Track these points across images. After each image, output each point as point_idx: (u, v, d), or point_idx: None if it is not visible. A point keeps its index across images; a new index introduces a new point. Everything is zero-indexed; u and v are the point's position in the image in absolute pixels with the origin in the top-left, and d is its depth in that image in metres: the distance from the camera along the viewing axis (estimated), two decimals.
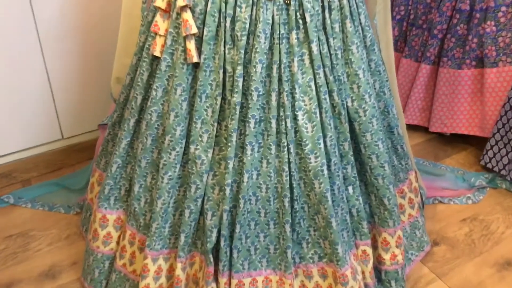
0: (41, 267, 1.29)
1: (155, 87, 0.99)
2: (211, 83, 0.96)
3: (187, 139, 0.99)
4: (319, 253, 1.05)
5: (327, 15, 0.96)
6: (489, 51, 1.59)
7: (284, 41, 0.94)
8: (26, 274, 1.27)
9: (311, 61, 0.95)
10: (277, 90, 0.95)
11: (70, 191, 1.52)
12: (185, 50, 0.94)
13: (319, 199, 0.99)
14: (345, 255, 1.03)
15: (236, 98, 0.94)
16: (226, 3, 0.91)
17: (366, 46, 1.06)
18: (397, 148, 1.22)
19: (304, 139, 0.97)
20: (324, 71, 0.97)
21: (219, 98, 0.96)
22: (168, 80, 0.99)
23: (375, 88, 1.11)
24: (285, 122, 0.96)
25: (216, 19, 0.92)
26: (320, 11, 0.94)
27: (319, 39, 0.95)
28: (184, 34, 0.92)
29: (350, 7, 0.98)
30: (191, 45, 0.93)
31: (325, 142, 0.99)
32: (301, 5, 0.92)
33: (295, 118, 0.97)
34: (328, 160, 1.00)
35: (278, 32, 0.93)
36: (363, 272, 1.10)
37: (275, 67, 0.94)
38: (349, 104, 1.03)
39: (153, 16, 1.00)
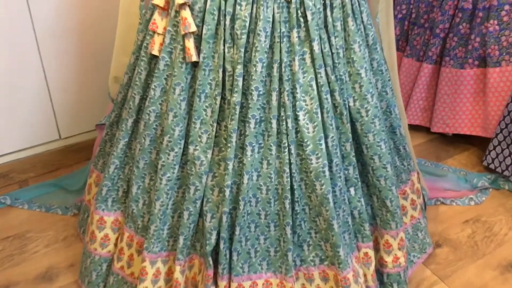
0: (38, 269, 1.27)
1: (153, 87, 0.98)
2: (211, 82, 0.94)
3: (186, 140, 0.98)
4: (321, 255, 1.03)
5: (328, 13, 0.94)
6: (492, 50, 1.58)
7: (285, 39, 0.92)
8: (22, 276, 1.25)
9: (313, 60, 0.94)
10: (277, 89, 0.94)
11: (68, 192, 1.51)
12: (183, 49, 0.93)
13: (320, 200, 0.98)
14: (346, 257, 1.01)
15: (236, 97, 0.92)
16: (225, 0, 0.89)
17: (368, 45, 1.05)
18: (399, 149, 1.20)
19: (305, 140, 0.95)
20: (326, 70, 0.96)
21: (218, 98, 0.94)
22: (166, 79, 0.97)
23: (377, 88, 1.09)
24: (286, 123, 0.95)
25: (216, 17, 0.91)
26: (321, 9, 0.93)
27: (320, 38, 0.94)
28: (182, 33, 0.91)
29: (352, 5, 0.97)
30: (190, 43, 0.91)
31: (326, 142, 0.98)
32: (302, 3, 0.90)
33: (296, 118, 0.95)
34: (330, 161, 0.99)
35: (278, 31, 0.91)
36: (365, 275, 1.08)
37: (275, 66, 0.93)
38: (351, 104, 1.02)
39: (151, 14, 0.99)
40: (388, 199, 1.08)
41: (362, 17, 1.01)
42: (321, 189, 0.97)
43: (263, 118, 0.96)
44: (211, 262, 0.99)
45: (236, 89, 0.92)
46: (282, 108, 0.95)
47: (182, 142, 0.98)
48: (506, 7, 1.54)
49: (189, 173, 0.97)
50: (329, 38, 0.95)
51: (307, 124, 0.95)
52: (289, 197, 0.97)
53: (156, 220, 1.01)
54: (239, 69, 0.91)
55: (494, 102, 1.61)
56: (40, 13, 1.43)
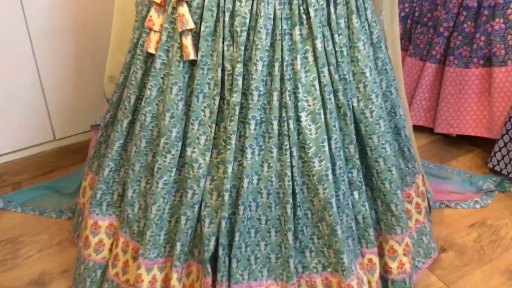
0: (31, 275, 1.24)
1: (149, 86, 0.95)
2: (209, 82, 0.92)
3: (184, 142, 0.95)
4: (323, 262, 1.00)
5: (332, 9, 0.92)
6: (498, 49, 1.56)
7: (286, 37, 0.90)
8: (15, 282, 1.22)
9: (315, 58, 0.91)
10: (279, 89, 0.91)
11: (62, 194, 1.49)
12: (181, 47, 0.90)
13: (323, 205, 0.95)
14: (350, 264, 0.98)
15: (236, 98, 0.90)
16: None
17: (373, 43, 1.02)
18: (404, 151, 1.17)
19: (308, 142, 0.93)
20: (329, 70, 0.93)
21: (217, 98, 0.92)
22: (163, 78, 0.94)
23: (381, 88, 1.07)
24: (288, 124, 0.92)
25: (214, 14, 0.88)
26: (324, 6, 0.90)
27: (323, 35, 0.91)
28: (180, 30, 0.88)
29: (356, 1, 0.94)
30: (188, 41, 0.89)
31: (329, 144, 0.95)
32: None
33: (298, 119, 0.93)
34: (333, 164, 0.96)
35: (280, 28, 0.89)
36: (369, 282, 1.05)
37: (277, 65, 0.90)
38: (355, 104, 0.99)
39: (148, 11, 0.96)
40: (393, 203, 1.05)
41: (366, 14, 0.98)
42: (324, 193, 0.94)
43: (263, 119, 0.93)
44: (209, 269, 0.96)
45: (235, 89, 0.90)
46: (283, 108, 0.92)
47: (180, 144, 0.95)
48: None
49: (187, 176, 0.95)
50: (332, 35, 0.93)
51: (310, 125, 0.93)
52: (291, 202, 0.94)
53: (152, 225, 0.97)
54: (239, 68, 0.89)
55: (499, 103, 1.59)
56: (34, 11, 1.41)
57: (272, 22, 0.88)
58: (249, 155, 0.92)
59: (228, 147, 0.92)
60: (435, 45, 1.66)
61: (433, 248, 1.28)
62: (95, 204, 1.07)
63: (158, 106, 0.96)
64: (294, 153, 0.93)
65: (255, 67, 0.89)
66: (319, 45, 0.90)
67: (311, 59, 0.91)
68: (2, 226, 1.39)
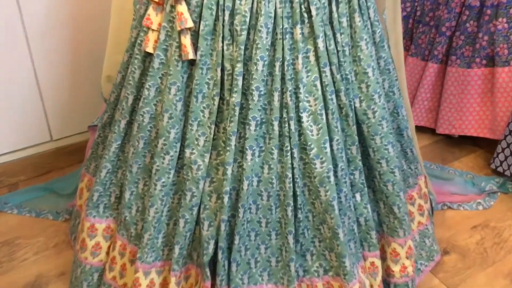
0: (27, 277, 1.22)
1: (147, 86, 0.93)
2: (208, 82, 0.90)
3: (182, 143, 0.94)
4: (325, 266, 0.98)
5: (334, 8, 0.90)
6: (501, 49, 1.54)
7: (287, 36, 0.88)
8: (11, 285, 1.20)
9: (317, 58, 0.90)
10: (279, 89, 0.90)
11: (59, 196, 1.46)
12: (179, 46, 0.89)
13: (324, 208, 0.93)
14: (352, 268, 0.96)
15: (235, 98, 0.88)
16: None
17: (375, 43, 1.01)
18: (406, 152, 1.16)
19: (309, 143, 0.91)
20: (331, 69, 0.92)
21: (216, 98, 0.90)
22: (161, 78, 0.93)
23: (384, 88, 1.05)
24: (289, 125, 0.91)
25: (214, 12, 0.87)
26: (326, 4, 0.89)
27: (325, 35, 0.90)
28: (178, 29, 0.87)
29: (358, 0, 0.92)
30: (187, 40, 0.87)
31: (331, 146, 0.93)
32: None
33: (299, 120, 0.91)
34: (335, 166, 0.94)
35: (281, 27, 0.87)
36: (371, 286, 1.04)
37: (277, 64, 0.89)
38: (357, 105, 0.98)
39: (146, 9, 0.95)
40: (395, 205, 1.04)
41: (369, 13, 0.97)
42: (325, 195, 0.92)
43: (264, 120, 0.91)
44: (208, 273, 0.94)
45: (235, 89, 0.88)
46: (284, 109, 0.91)
47: (178, 145, 0.93)
48: None
49: (185, 178, 0.93)
50: (334, 34, 0.91)
51: (311, 126, 0.91)
52: (292, 204, 0.93)
53: (150, 228, 0.96)
54: (239, 67, 0.87)
55: (502, 103, 1.57)
56: (30, 9, 1.39)
57: (272, 21, 0.86)
58: (249, 157, 0.91)
59: (228, 148, 0.90)
60: (437, 44, 1.65)
61: (436, 251, 1.26)
62: (91, 206, 1.05)
63: (156, 106, 0.94)
64: (295, 155, 0.92)
65: (255, 67, 0.87)
66: (320, 44, 0.89)
67: (312, 58, 0.90)
68: None
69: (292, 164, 0.92)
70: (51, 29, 1.44)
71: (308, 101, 0.91)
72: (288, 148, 0.91)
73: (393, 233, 1.06)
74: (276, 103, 0.90)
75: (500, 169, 1.57)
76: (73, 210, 1.28)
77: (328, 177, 0.92)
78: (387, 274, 1.09)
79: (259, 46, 0.86)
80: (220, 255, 0.93)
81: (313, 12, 0.87)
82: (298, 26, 0.87)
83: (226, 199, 0.91)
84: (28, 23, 1.40)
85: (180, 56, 0.89)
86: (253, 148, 0.91)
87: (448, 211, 1.47)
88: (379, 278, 1.04)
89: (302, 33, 0.88)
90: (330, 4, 0.89)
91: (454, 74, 1.64)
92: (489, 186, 1.55)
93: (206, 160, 0.92)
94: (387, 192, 1.03)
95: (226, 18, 0.86)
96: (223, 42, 0.87)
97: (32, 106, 1.50)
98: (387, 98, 1.06)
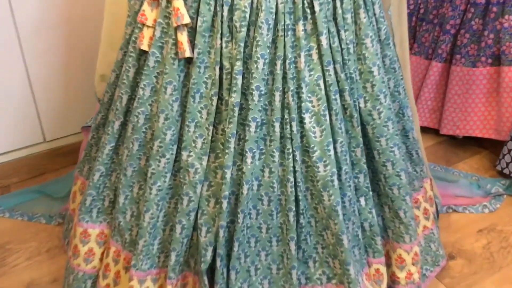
0: (18, 284, 1.19)
1: (142, 86, 0.90)
2: (206, 81, 0.87)
3: (179, 145, 0.91)
4: (328, 273, 0.95)
5: (338, 4, 0.87)
6: (507, 47, 1.51)
7: (289, 33, 0.85)
8: None
9: (320, 56, 0.87)
10: (281, 89, 0.87)
11: (53, 199, 1.44)
12: (176, 43, 0.86)
13: (328, 213, 0.90)
14: (357, 276, 0.93)
15: (235, 98, 0.85)
16: None
17: (381, 40, 0.97)
18: (411, 154, 1.13)
19: (312, 145, 0.88)
20: (335, 68, 0.89)
21: (215, 98, 0.87)
22: (157, 77, 0.90)
23: (389, 88, 1.02)
24: (290, 126, 0.88)
25: (212, 8, 0.84)
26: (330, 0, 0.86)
27: (329, 31, 0.86)
28: (175, 25, 0.84)
29: None
30: (183, 37, 0.85)
31: (335, 148, 0.90)
32: None
33: (301, 121, 0.88)
34: (339, 169, 0.91)
35: (282, 23, 0.84)
36: None
37: (279, 63, 0.86)
38: (362, 105, 0.95)
39: (141, 5, 0.91)
40: (401, 209, 1.00)
41: (374, 9, 0.94)
42: (329, 200, 0.89)
43: (264, 121, 0.89)
44: (206, 282, 0.91)
45: (234, 89, 0.85)
46: (286, 109, 0.88)
47: (175, 147, 0.91)
48: None
49: (182, 182, 0.90)
50: (338, 31, 0.88)
51: (314, 127, 0.88)
52: (294, 209, 0.90)
53: (145, 234, 0.92)
54: (238, 66, 0.84)
55: (508, 103, 1.55)
56: (22, 7, 1.36)
57: (274, 17, 0.83)
58: (249, 160, 0.88)
59: (227, 151, 0.87)
60: (441, 43, 1.62)
61: (441, 256, 1.22)
62: (84, 211, 1.02)
63: (152, 106, 0.91)
64: (297, 157, 0.89)
65: (255, 65, 0.84)
66: (324, 41, 0.86)
67: (315, 56, 0.87)
68: None
69: (294, 167, 0.89)
70: (43, 27, 1.41)
71: (311, 101, 0.88)
72: (290, 150, 0.88)
73: (398, 239, 1.03)
74: (277, 103, 0.87)
75: (506, 171, 1.54)
76: (67, 214, 1.25)
77: (332, 181, 0.89)
78: (392, 280, 1.06)
79: (259, 43, 0.83)
80: (218, 263, 0.90)
81: (316, 8, 0.84)
82: (301, 22, 0.84)
83: (225, 204, 0.88)
84: (20, 21, 1.38)
85: (176, 54, 0.86)
86: (253, 150, 0.88)
87: (453, 214, 1.44)
88: (384, 286, 1.01)
89: (305, 30, 0.85)
90: None
91: (459, 73, 1.61)
92: (495, 189, 1.52)
93: (204, 163, 0.89)
94: (392, 196, 1.00)
95: (225, 13, 0.83)
96: (221, 39, 0.85)
97: (24, 107, 1.48)
98: (393, 98, 1.03)
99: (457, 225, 1.40)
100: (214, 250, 0.90)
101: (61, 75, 1.50)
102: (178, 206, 0.91)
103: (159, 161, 0.90)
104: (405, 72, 1.14)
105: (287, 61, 0.86)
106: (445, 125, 1.67)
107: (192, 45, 0.86)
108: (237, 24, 0.83)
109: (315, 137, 0.88)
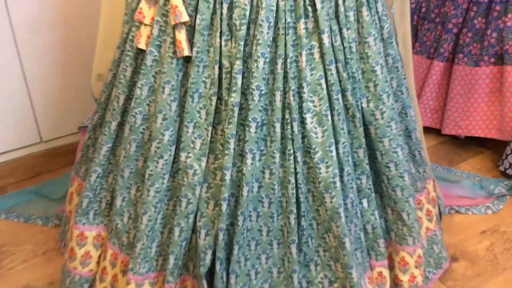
0: (14, 287, 1.17)
1: (139, 85, 0.89)
2: (205, 80, 0.86)
3: (177, 146, 0.90)
4: (330, 277, 0.94)
5: (340, 1, 0.86)
6: (510, 46, 1.51)
7: (290, 31, 0.84)
8: None
9: (322, 55, 0.86)
10: (282, 89, 0.85)
11: (49, 200, 1.42)
12: (174, 42, 0.84)
13: (330, 215, 0.88)
14: (359, 279, 0.91)
15: (234, 98, 0.84)
16: None
17: (383, 39, 0.96)
18: (414, 155, 1.12)
19: (313, 146, 0.87)
20: (337, 67, 0.87)
21: (214, 98, 0.86)
22: (154, 77, 0.88)
23: (392, 87, 1.00)
24: (291, 126, 0.87)
25: (211, 5, 0.82)
26: None
27: (331, 30, 0.85)
28: (173, 23, 0.82)
29: None
30: (181, 35, 0.83)
31: (337, 149, 0.89)
32: None
33: (302, 122, 0.87)
34: (341, 170, 0.90)
35: (283, 21, 0.83)
36: None
37: (279, 62, 0.84)
38: (364, 105, 0.93)
39: (138, 3, 0.90)
40: (404, 211, 0.99)
41: (377, 7, 0.93)
42: (331, 202, 0.88)
43: (265, 121, 0.87)
44: (205, 285, 0.89)
45: (234, 88, 0.84)
46: (287, 109, 0.87)
47: (173, 148, 0.89)
48: None
49: (181, 183, 0.89)
50: (340, 30, 0.87)
51: (316, 128, 0.87)
52: (295, 211, 0.89)
53: (142, 237, 0.91)
54: (238, 65, 0.83)
55: (511, 103, 1.53)
56: (18, 5, 1.35)
57: (274, 15, 0.82)
58: (249, 161, 0.86)
59: (226, 152, 0.86)
60: (443, 42, 1.61)
61: (444, 258, 1.21)
62: (81, 213, 1.00)
63: (149, 106, 0.90)
64: (299, 159, 0.88)
65: (255, 64, 0.83)
66: (326, 40, 0.84)
67: (317, 55, 0.86)
68: None
69: (295, 168, 0.88)
70: (39, 26, 1.40)
71: (312, 101, 0.86)
72: (291, 151, 0.87)
73: (401, 241, 1.01)
74: (278, 103, 0.86)
75: (509, 171, 1.52)
76: (63, 216, 1.23)
77: (334, 183, 0.87)
78: (395, 283, 1.05)
79: (259, 42, 0.82)
80: (218, 266, 0.89)
81: (318, 6, 0.82)
82: (302, 20, 0.83)
83: (224, 206, 0.87)
84: (16, 20, 1.36)
85: (174, 52, 0.85)
86: (253, 151, 0.86)
87: (456, 216, 1.42)
88: None
89: (306, 28, 0.84)
90: None
91: (461, 72, 1.60)
92: (498, 189, 1.51)
93: (203, 164, 0.88)
94: (395, 197, 0.98)
95: (224, 11, 0.82)
96: (221, 38, 0.83)
97: (20, 107, 1.47)
98: (395, 98, 1.02)
99: (460, 227, 1.39)
100: (214, 253, 0.89)
101: (57, 75, 1.49)
102: (176, 208, 0.89)
103: (157, 162, 0.89)
104: (407, 71, 1.13)
105: (288, 60, 0.84)
106: (447, 125, 1.66)
107: (191, 44, 0.85)
108: (237, 22, 0.81)
109: (317, 137, 0.87)
